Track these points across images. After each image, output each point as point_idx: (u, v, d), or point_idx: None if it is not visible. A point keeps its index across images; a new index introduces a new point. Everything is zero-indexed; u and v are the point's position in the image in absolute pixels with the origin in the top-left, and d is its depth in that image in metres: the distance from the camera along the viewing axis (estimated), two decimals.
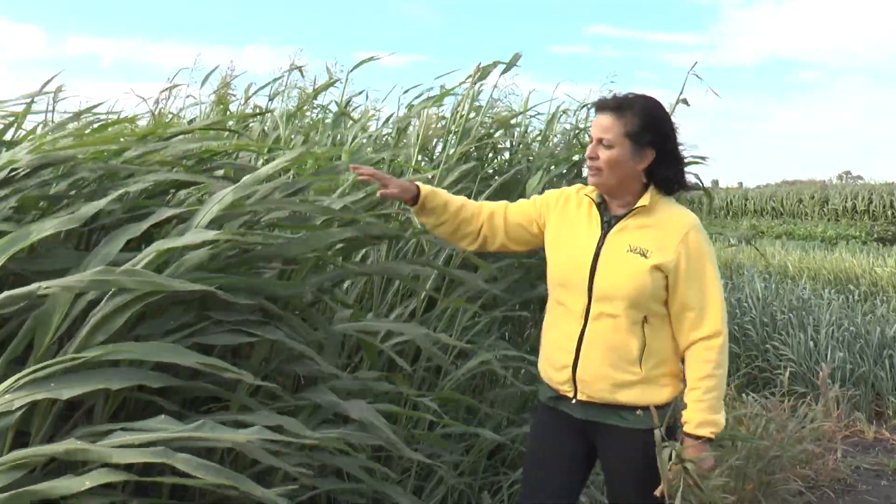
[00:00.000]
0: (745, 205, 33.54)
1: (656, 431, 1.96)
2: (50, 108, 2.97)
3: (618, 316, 2.09)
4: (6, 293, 1.68)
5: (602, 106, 2.15)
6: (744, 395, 5.10)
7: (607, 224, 2.18)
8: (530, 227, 2.32)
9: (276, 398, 2.21)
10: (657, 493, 1.95)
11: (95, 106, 3.07)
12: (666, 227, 2.13)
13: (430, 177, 2.93)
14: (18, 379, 1.61)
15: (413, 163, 3.05)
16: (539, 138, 3.90)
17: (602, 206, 2.21)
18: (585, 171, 2.24)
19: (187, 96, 4.05)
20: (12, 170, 2.09)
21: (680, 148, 2.20)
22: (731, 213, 33.52)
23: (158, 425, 1.65)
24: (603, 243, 2.15)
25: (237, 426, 2.03)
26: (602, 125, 2.12)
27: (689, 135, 3.77)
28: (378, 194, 2.25)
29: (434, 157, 3.37)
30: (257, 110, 3.84)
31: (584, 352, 2.14)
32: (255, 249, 2.09)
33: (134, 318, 1.82)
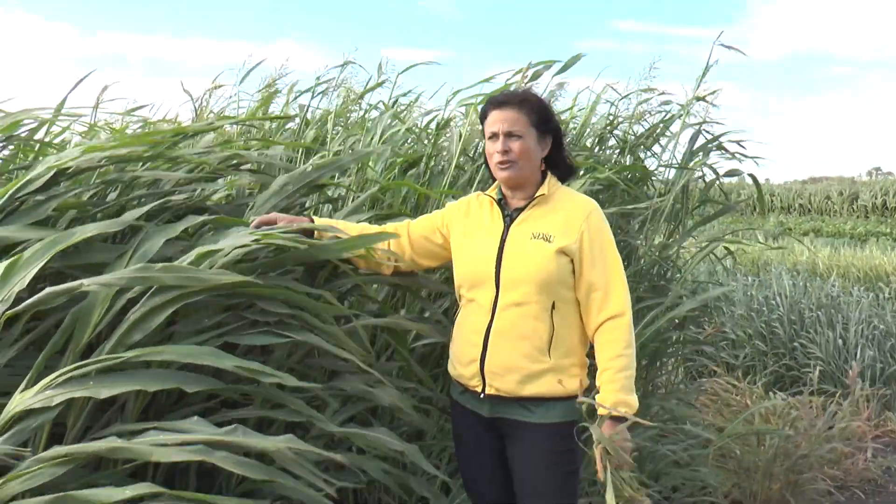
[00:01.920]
0: (772, 201, 33.21)
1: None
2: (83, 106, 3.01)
3: (526, 303, 2.12)
4: (48, 290, 1.71)
5: (503, 102, 2.22)
6: (771, 393, 5.07)
7: (509, 217, 2.23)
8: (433, 237, 2.35)
9: (303, 390, 2.24)
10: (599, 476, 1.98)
11: (140, 107, 3.10)
12: (567, 212, 2.18)
13: None
14: (58, 376, 1.64)
15: (455, 163, 3.06)
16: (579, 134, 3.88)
17: (502, 202, 2.27)
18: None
19: (230, 96, 4.08)
20: (58, 172, 2.12)
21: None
22: (756, 210, 33.18)
23: (191, 426, 1.69)
24: (507, 235, 2.19)
25: (263, 423, 2.08)
26: (509, 119, 2.18)
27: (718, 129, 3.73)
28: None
29: (475, 156, 3.37)
30: (300, 110, 3.86)
31: (492, 343, 2.16)
32: (290, 251, 2.10)
33: (170, 316, 1.85)
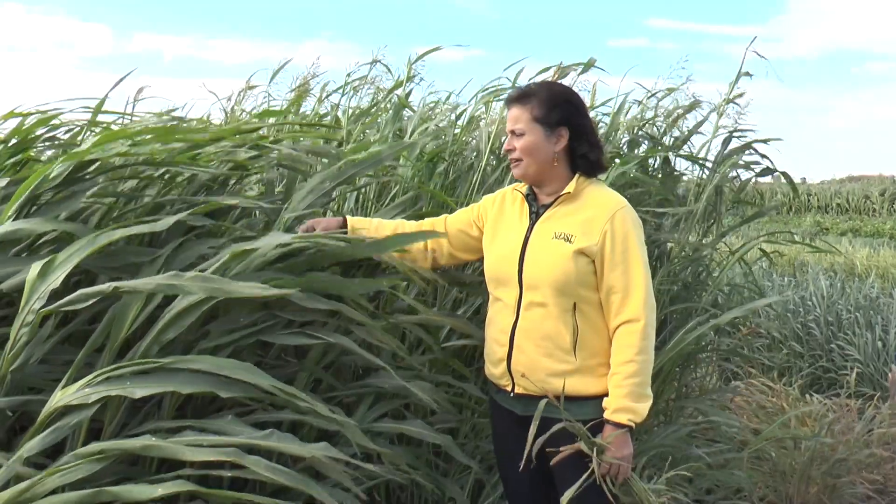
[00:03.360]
0: (809, 201, 32.72)
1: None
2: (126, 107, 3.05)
3: (547, 304, 2.11)
4: (80, 291, 1.75)
5: (508, 101, 2.22)
6: (808, 395, 4.99)
7: (535, 214, 2.21)
8: (470, 230, 2.34)
9: (336, 389, 2.26)
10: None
11: (174, 109, 3.14)
12: (592, 211, 2.14)
13: None
14: (97, 376, 1.68)
15: (484, 160, 3.06)
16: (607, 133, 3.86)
17: (531, 197, 2.24)
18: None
19: (264, 94, 4.12)
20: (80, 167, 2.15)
21: (594, 128, 2.26)
22: (793, 210, 32.74)
23: (226, 426, 1.72)
24: (531, 233, 2.18)
25: (296, 426, 2.09)
26: (512, 117, 2.18)
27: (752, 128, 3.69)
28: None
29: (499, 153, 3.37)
30: (332, 109, 3.89)
31: (517, 343, 2.16)
32: (324, 250, 2.12)
33: (205, 314, 1.88)
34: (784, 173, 3.84)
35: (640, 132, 3.73)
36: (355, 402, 2.33)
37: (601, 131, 3.75)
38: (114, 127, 2.67)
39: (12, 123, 2.54)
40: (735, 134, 3.60)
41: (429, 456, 2.37)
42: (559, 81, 2.26)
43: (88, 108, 2.65)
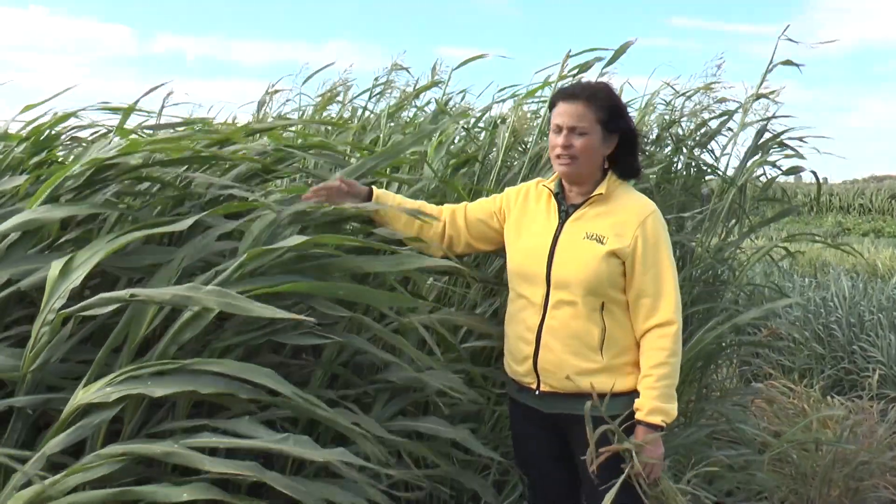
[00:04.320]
0: (830, 201, 32.41)
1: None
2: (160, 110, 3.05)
3: (576, 303, 2.11)
4: (99, 296, 1.75)
5: (571, 95, 2.16)
6: (829, 397, 4.94)
7: (565, 213, 2.20)
8: (490, 221, 2.32)
9: (352, 385, 2.25)
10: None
11: (208, 113, 3.14)
12: (624, 214, 2.14)
13: None
14: (117, 376, 1.69)
15: (501, 158, 3.05)
16: None
17: (560, 195, 2.22)
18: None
19: (287, 100, 4.14)
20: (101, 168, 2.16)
21: (637, 136, 2.26)
22: (814, 210, 32.45)
23: (243, 427, 1.72)
24: (560, 232, 2.17)
25: (313, 423, 2.09)
26: (575, 113, 2.12)
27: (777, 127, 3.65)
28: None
29: (527, 149, 3.35)
30: (357, 111, 3.90)
31: (544, 341, 2.15)
32: (341, 256, 2.11)
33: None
34: (813, 172, 3.79)
35: (667, 133, 3.71)
36: (373, 397, 2.32)
37: None
38: (140, 131, 2.68)
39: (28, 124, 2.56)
40: (768, 129, 3.55)
41: (448, 449, 2.35)
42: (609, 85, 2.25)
43: (114, 108, 2.66)
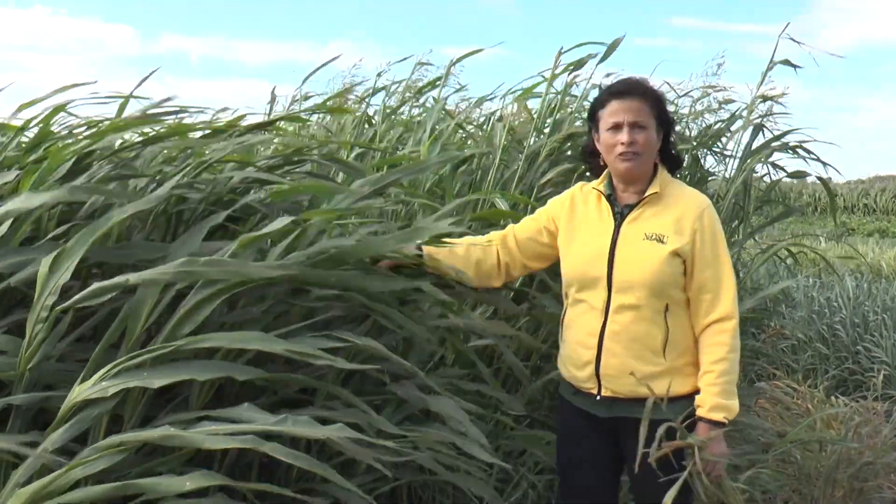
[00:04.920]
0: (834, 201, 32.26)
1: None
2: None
3: (639, 306, 2.09)
4: (96, 285, 1.75)
5: (626, 91, 2.15)
6: (833, 397, 4.93)
7: (619, 214, 2.17)
8: (540, 237, 2.30)
9: (362, 393, 2.24)
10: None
11: (221, 111, 3.13)
12: (679, 209, 2.12)
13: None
14: (112, 368, 1.68)
15: (497, 159, 3.04)
16: None
17: (611, 197, 2.20)
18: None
19: (295, 99, 4.13)
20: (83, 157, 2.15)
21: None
22: (818, 210, 32.33)
23: (243, 414, 1.71)
24: (618, 234, 2.14)
25: (320, 422, 2.09)
26: (634, 109, 2.11)
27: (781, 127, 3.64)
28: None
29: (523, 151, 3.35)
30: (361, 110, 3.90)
31: (606, 346, 2.13)
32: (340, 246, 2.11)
33: (220, 309, 1.88)
34: (820, 178, 3.78)
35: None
36: (380, 406, 2.31)
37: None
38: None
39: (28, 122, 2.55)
40: (766, 128, 3.55)
41: (449, 452, 2.34)
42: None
43: (110, 99, 2.64)
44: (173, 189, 2.06)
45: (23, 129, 2.40)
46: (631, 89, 2.15)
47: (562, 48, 3.17)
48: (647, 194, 2.14)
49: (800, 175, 3.72)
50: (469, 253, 2.28)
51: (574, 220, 2.24)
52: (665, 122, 2.18)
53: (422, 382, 2.20)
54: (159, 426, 1.79)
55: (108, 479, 1.61)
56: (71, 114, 2.54)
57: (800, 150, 3.57)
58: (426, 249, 2.26)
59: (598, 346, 2.14)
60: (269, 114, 3.92)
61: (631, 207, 2.16)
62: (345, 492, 1.87)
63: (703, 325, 2.10)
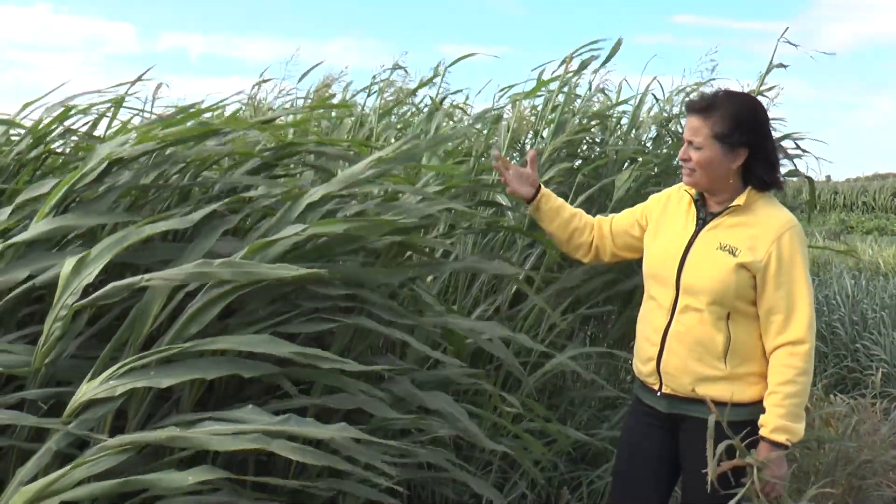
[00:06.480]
0: (834, 199, 32.31)
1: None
2: (144, 104, 3.07)
3: (702, 310, 2.11)
4: (111, 284, 1.78)
5: (690, 108, 2.15)
6: (832, 395, 4.94)
7: (702, 221, 2.19)
8: (633, 230, 2.37)
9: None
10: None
11: (199, 103, 3.15)
12: (760, 227, 2.11)
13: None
14: (119, 368, 1.70)
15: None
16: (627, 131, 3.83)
17: (700, 202, 2.22)
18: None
19: (280, 92, 4.13)
20: (112, 162, 2.17)
21: (775, 147, 2.19)
22: (817, 208, 32.34)
23: (245, 415, 1.73)
24: (695, 239, 2.17)
25: (320, 411, 2.10)
26: (691, 127, 2.13)
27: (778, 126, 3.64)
28: (507, 192, 2.43)
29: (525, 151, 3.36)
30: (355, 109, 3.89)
31: (668, 344, 2.16)
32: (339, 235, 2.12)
33: (225, 310, 1.89)
34: (808, 178, 3.80)
35: (664, 129, 3.70)
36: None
37: (623, 128, 3.73)
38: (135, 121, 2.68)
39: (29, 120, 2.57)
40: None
41: (448, 455, 2.35)
42: (745, 92, 2.24)
43: (105, 94, 2.66)
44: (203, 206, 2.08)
45: (32, 130, 2.42)
46: (694, 106, 2.14)
47: (573, 53, 3.19)
48: (731, 205, 2.14)
49: (792, 175, 3.73)
50: (571, 219, 2.40)
51: (663, 218, 2.29)
52: (743, 142, 2.10)
53: (417, 378, 2.21)
54: (160, 426, 1.81)
55: (111, 477, 1.62)
56: (64, 114, 2.55)
57: (793, 151, 3.58)
58: (542, 191, 2.39)
59: (661, 343, 2.18)
60: (254, 106, 3.93)
61: (714, 216, 2.18)
62: (346, 484, 1.89)
63: (774, 346, 2.09)
